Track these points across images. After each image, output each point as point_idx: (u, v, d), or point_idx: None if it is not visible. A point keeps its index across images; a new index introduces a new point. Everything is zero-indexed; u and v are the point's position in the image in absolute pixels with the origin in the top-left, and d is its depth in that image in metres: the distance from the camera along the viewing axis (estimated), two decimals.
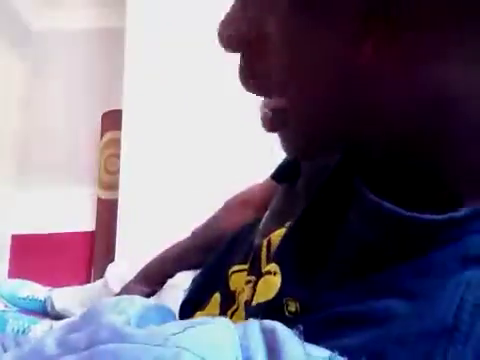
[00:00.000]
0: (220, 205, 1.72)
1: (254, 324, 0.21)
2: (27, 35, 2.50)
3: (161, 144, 1.73)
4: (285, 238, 0.34)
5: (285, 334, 0.20)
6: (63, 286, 1.51)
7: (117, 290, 1.15)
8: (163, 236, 1.51)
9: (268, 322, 0.22)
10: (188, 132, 1.75)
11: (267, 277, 0.32)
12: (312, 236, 0.32)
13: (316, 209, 0.34)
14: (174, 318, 0.27)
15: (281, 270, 0.31)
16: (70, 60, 2.50)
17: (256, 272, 0.36)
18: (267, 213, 0.43)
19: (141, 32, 1.84)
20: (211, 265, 0.60)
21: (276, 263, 0.32)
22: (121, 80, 1.82)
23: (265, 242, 0.36)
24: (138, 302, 0.27)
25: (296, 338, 0.20)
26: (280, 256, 0.33)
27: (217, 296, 0.40)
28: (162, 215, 1.64)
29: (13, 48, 2.31)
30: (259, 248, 0.37)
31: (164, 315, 0.27)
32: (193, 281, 0.62)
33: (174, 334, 0.21)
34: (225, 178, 1.69)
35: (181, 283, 0.92)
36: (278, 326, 0.21)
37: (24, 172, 2.31)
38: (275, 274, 0.31)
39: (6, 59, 2.26)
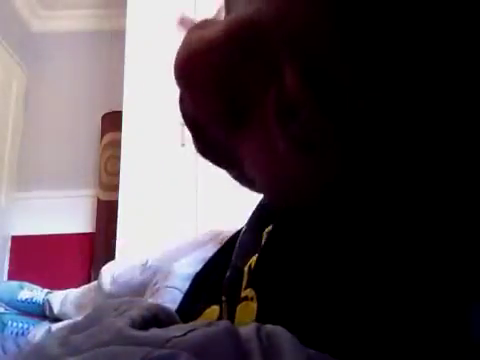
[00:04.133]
0: (218, 205, 1.73)
1: (256, 328, 0.21)
2: (27, 36, 2.50)
3: (161, 146, 1.73)
4: (258, 261, 0.32)
5: (286, 338, 0.20)
6: (63, 287, 1.51)
7: (109, 290, 1.15)
8: (162, 237, 1.51)
9: (270, 326, 0.22)
10: (188, 134, 1.75)
11: (245, 303, 0.31)
12: (285, 257, 0.30)
13: (284, 229, 0.32)
14: (176, 320, 0.27)
15: (257, 295, 0.30)
16: (70, 62, 2.51)
17: (231, 295, 0.34)
18: (244, 228, 0.41)
19: (141, 34, 1.84)
20: (203, 275, 0.58)
21: (252, 288, 0.31)
22: (121, 82, 1.82)
23: (246, 269, 0.34)
24: (140, 304, 0.27)
25: (297, 341, 0.20)
26: (256, 280, 0.31)
27: (215, 308, 0.39)
28: (161, 216, 1.65)
29: (13, 49, 2.31)
30: (240, 273, 0.34)
31: (166, 317, 0.27)
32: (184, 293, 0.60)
33: (176, 337, 0.21)
34: (224, 178, 1.69)
35: (178, 284, 0.91)
36: (279, 330, 0.21)
37: (24, 173, 2.32)
38: (252, 299, 0.30)
39: (6, 60, 2.27)
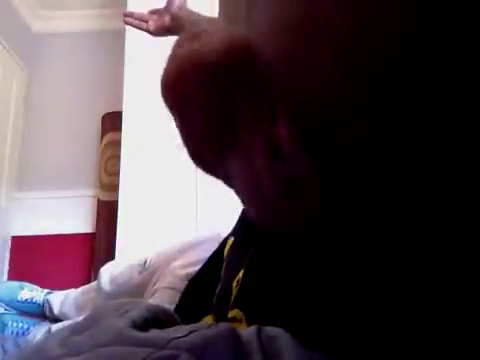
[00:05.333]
0: (218, 205, 1.73)
1: (256, 330, 0.21)
2: (27, 36, 2.50)
3: (161, 146, 1.73)
4: (243, 282, 0.32)
5: (287, 340, 0.20)
6: (63, 287, 1.51)
7: (108, 290, 1.15)
8: (162, 237, 1.51)
9: (270, 328, 0.22)
10: None
11: (233, 324, 0.29)
12: (269, 275, 0.30)
13: (267, 248, 0.32)
14: (177, 321, 0.27)
15: (246, 317, 0.29)
16: (70, 62, 2.51)
17: (219, 314, 0.33)
18: (232, 242, 0.40)
19: (141, 34, 1.84)
20: (198, 279, 0.57)
21: (239, 309, 0.30)
22: (121, 82, 1.82)
23: (235, 283, 0.33)
24: (141, 305, 0.27)
25: (298, 344, 0.20)
26: (242, 301, 0.31)
27: (208, 319, 0.38)
28: (161, 216, 1.64)
29: (13, 49, 2.31)
30: (229, 289, 0.33)
31: (167, 318, 0.27)
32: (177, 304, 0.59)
33: (177, 338, 0.21)
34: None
35: (176, 284, 0.92)
36: (280, 332, 0.21)
37: (24, 173, 2.31)
38: (241, 321, 0.30)
39: (6, 60, 2.27)
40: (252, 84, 0.17)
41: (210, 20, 0.79)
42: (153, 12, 0.88)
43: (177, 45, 0.20)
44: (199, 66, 0.18)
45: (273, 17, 0.15)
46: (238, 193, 0.21)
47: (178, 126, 0.20)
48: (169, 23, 0.85)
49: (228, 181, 0.22)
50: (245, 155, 0.18)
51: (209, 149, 0.20)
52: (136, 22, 0.89)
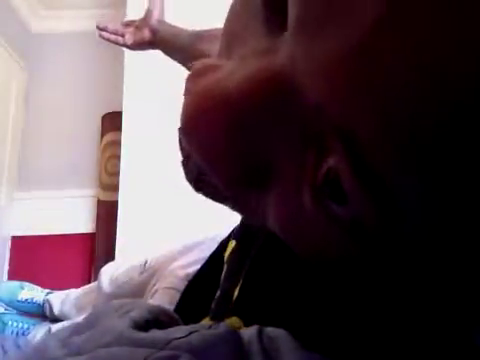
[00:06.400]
0: (218, 205, 1.72)
1: (257, 330, 0.21)
2: (27, 36, 2.50)
3: (161, 146, 1.73)
4: (242, 290, 0.31)
5: (288, 340, 0.20)
6: (63, 287, 1.51)
7: (108, 291, 1.15)
8: (162, 237, 1.51)
9: (271, 329, 0.22)
10: None
11: None
12: (269, 283, 0.29)
13: (266, 255, 0.31)
14: (178, 322, 0.27)
15: (244, 324, 0.29)
16: (70, 62, 2.51)
17: (216, 319, 0.33)
18: (233, 247, 0.39)
19: None
20: (198, 283, 0.56)
21: (238, 317, 0.30)
22: (121, 82, 1.82)
23: (236, 292, 0.32)
24: (142, 306, 0.27)
25: (298, 345, 0.20)
26: (241, 309, 0.30)
27: (208, 320, 0.38)
28: (161, 216, 1.64)
29: (13, 49, 2.31)
30: (229, 297, 0.32)
31: (168, 318, 0.27)
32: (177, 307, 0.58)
33: (177, 338, 0.21)
34: None
35: (176, 285, 0.92)
36: (281, 333, 0.21)
37: (24, 173, 2.31)
38: (240, 329, 0.28)
39: (6, 60, 2.27)
40: (290, 119, 0.15)
41: (190, 34, 0.77)
42: (128, 24, 0.83)
43: (193, 78, 0.18)
44: (224, 104, 0.15)
45: (320, 55, 0.13)
46: (279, 233, 0.18)
47: (201, 166, 0.18)
48: (149, 38, 0.79)
49: (260, 219, 0.19)
50: (288, 196, 0.16)
51: (240, 188, 0.17)
52: (112, 37, 0.84)
